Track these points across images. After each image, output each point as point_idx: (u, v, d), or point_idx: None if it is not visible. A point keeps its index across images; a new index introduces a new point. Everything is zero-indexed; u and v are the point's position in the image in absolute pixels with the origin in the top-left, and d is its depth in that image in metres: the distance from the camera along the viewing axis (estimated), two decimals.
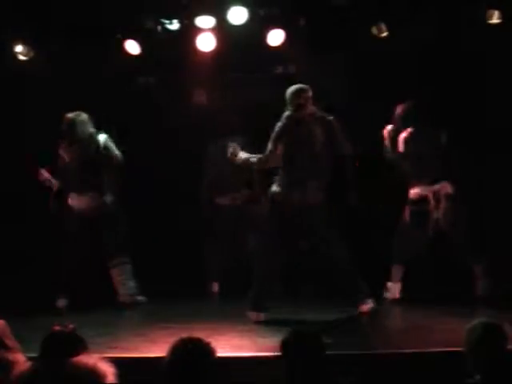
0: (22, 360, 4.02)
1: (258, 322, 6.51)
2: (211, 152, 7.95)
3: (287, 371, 3.80)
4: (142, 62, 8.24)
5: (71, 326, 3.94)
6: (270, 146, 6.61)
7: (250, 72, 8.19)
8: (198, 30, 7.90)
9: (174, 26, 8.03)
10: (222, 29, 7.86)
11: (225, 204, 8.00)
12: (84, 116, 7.30)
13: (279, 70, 8.61)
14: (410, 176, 7.31)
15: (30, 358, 3.97)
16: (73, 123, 7.25)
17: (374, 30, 7.89)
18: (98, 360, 3.64)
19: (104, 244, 7.34)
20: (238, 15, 7.75)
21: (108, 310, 7.25)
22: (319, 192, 6.61)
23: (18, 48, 7.93)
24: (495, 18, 7.71)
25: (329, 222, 6.64)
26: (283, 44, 7.93)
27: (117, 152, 7.33)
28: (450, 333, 5.57)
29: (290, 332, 3.92)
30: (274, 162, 6.66)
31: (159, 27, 8.07)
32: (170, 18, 7.99)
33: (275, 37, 7.92)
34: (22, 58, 7.98)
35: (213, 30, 7.88)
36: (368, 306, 6.63)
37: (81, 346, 3.78)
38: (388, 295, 7.38)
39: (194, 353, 3.58)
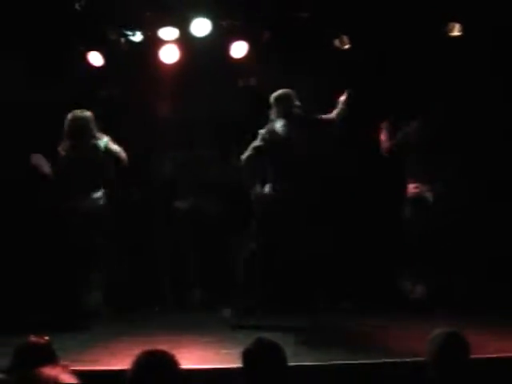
0: None
1: (222, 334, 6.52)
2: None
3: (249, 382, 3.80)
4: (104, 74, 8.21)
5: (46, 337, 3.93)
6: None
7: (213, 84, 8.18)
8: (162, 42, 7.91)
9: (138, 37, 8.03)
10: (186, 41, 7.88)
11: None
12: (91, 114, 7.27)
13: (242, 82, 8.62)
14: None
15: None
16: (86, 121, 7.21)
17: (337, 43, 7.96)
18: (60, 371, 3.62)
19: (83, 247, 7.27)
20: (201, 27, 7.77)
21: (71, 320, 7.17)
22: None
23: None
24: (456, 31, 7.83)
25: None
26: (246, 56, 7.96)
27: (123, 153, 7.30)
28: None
29: (251, 342, 3.93)
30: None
31: (122, 39, 8.05)
32: (134, 30, 7.98)
33: (238, 49, 7.95)
34: None
35: (176, 41, 7.89)
36: None
37: (51, 359, 3.77)
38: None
39: (157, 365, 3.57)
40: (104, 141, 7.27)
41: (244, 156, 6.89)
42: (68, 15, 7.73)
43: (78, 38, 7.91)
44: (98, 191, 7.25)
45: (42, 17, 7.63)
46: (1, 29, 7.61)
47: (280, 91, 6.95)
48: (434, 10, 7.69)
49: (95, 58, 8.02)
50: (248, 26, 7.95)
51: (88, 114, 7.28)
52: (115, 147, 7.29)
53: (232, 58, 8.01)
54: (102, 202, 7.26)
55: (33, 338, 3.90)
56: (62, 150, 7.27)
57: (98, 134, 7.29)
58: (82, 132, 7.23)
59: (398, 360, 5.34)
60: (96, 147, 7.23)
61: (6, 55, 7.70)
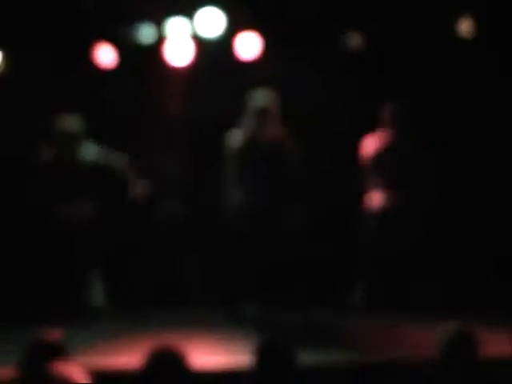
0: None
1: (234, 330, 6.52)
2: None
3: (258, 381, 3.80)
4: (114, 73, 8.22)
5: (58, 332, 3.95)
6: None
7: (224, 83, 8.17)
8: (172, 42, 7.91)
9: (148, 37, 8.03)
10: (196, 40, 7.88)
11: None
12: (80, 121, 7.20)
13: (254, 79, 8.61)
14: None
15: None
16: (74, 131, 7.13)
17: (350, 39, 7.95)
18: (71, 368, 3.64)
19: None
20: (211, 27, 7.77)
21: (83, 317, 7.19)
22: None
23: None
24: (467, 32, 7.82)
25: None
26: (257, 53, 7.96)
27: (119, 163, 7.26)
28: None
29: (261, 342, 3.93)
30: None
31: (132, 38, 8.06)
32: (144, 29, 7.99)
33: (249, 48, 7.94)
34: None
35: (186, 41, 7.89)
36: None
37: (61, 354, 3.79)
38: None
39: (168, 362, 3.58)
40: (93, 153, 7.18)
41: None
42: (78, 12, 7.74)
43: (88, 34, 7.91)
44: (82, 203, 7.18)
45: (51, 14, 7.62)
46: (14, 27, 7.63)
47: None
48: (445, 8, 7.69)
49: (105, 57, 8.01)
50: (258, 21, 7.94)
51: (77, 122, 7.18)
52: (107, 158, 7.22)
53: (242, 55, 7.99)
54: (87, 215, 7.20)
55: (44, 334, 3.91)
56: (44, 154, 7.19)
57: (88, 144, 7.22)
58: (68, 142, 7.13)
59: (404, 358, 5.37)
60: (82, 159, 7.15)
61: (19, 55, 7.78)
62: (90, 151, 7.20)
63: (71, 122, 7.19)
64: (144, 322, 7.02)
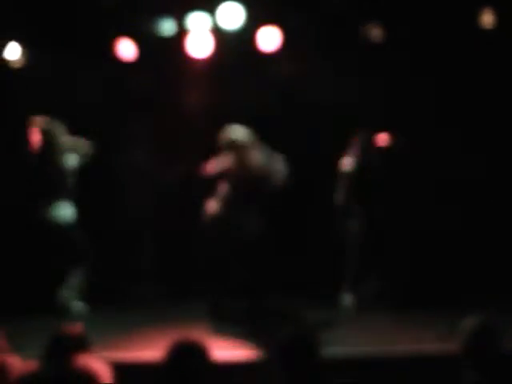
0: (17, 362, 4.03)
1: (255, 323, 6.53)
2: None
3: (282, 372, 3.80)
4: (136, 66, 8.23)
5: (79, 326, 3.96)
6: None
7: (244, 74, 8.17)
8: (193, 34, 7.91)
9: (168, 29, 8.03)
10: (217, 32, 7.87)
11: None
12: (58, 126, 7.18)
13: (274, 72, 8.60)
14: None
15: (28, 359, 3.98)
16: (50, 136, 7.11)
17: (370, 31, 7.92)
18: (94, 360, 3.66)
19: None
20: (232, 18, 7.77)
21: (103, 310, 7.23)
22: None
23: (12, 51, 7.93)
24: (489, 23, 7.78)
25: None
26: (277, 46, 7.94)
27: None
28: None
29: (286, 333, 3.92)
30: None
31: (153, 31, 8.07)
32: (164, 23, 7.99)
33: (270, 39, 7.93)
34: (14, 63, 7.98)
35: (207, 33, 7.88)
36: None
37: (84, 347, 3.81)
38: None
39: (190, 354, 3.58)
40: (72, 160, 7.15)
41: None
42: (99, 8, 7.76)
43: (109, 30, 7.93)
44: (60, 204, 7.13)
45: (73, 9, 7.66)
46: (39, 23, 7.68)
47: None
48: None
49: (126, 51, 8.02)
50: (280, 15, 7.92)
51: (54, 127, 7.15)
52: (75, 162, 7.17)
53: (263, 48, 7.98)
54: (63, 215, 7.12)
55: (66, 327, 3.93)
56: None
57: (69, 150, 7.17)
58: (46, 146, 7.12)
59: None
60: (61, 163, 7.12)
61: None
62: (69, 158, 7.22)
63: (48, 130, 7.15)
64: (165, 316, 7.04)
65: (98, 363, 3.65)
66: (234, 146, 6.74)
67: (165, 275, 8.09)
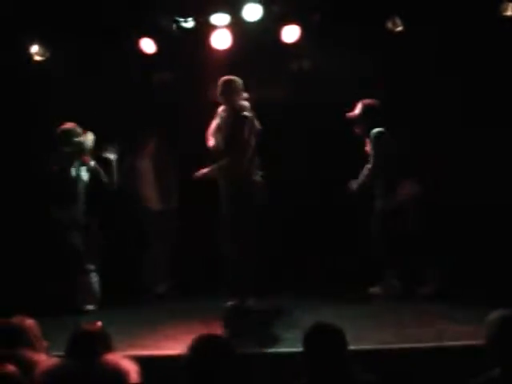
0: (43, 360, 4.05)
1: (276, 318, 6.53)
2: None
3: (309, 365, 3.80)
4: (157, 61, 8.25)
5: (99, 323, 3.98)
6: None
7: (264, 69, 8.16)
8: (213, 28, 7.91)
9: (189, 24, 8.03)
10: (237, 26, 7.87)
11: None
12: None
13: (294, 66, 8.59)
14: None
15: (56, 357, 4.01)
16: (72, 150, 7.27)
17: (389, 25, 7.87)
18: (121, 358, 3.68)
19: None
20: (252, 12, 7.76)
21: (126, 308, 7.29)
22: None
23: (34, 48, 7.96)
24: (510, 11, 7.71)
25: None
26: (298, 40, 7.93)
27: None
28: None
29: (311, 326, 3.93)
30: None
31: (174, 25, 8.06)
32: (185, 16, 7.99)
33: (290, 33, 7.92)
34: (37, 58, 8.01)
35: (227, 27, 7.88)
36: None
37: (106, 344, 3.82)
38: None
39: (213, 350, 3.59)
40: (85, 173, 7.34)
41: None
42: (120, 3, 7.77)
43: (130, 25, 7.94)
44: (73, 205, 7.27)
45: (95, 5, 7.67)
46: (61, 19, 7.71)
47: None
48: None
49: (147, 46, 8.04)
50: (299, 10, 7.90)
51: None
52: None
53: (284, 43, 7.97)
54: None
55: (86, 325, 3.95)
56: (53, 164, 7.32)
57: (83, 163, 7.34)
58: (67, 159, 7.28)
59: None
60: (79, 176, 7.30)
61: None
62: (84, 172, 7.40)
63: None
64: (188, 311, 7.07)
65: (126, 361, 3.67)
66: None
67: (179, 273, 8.09)
